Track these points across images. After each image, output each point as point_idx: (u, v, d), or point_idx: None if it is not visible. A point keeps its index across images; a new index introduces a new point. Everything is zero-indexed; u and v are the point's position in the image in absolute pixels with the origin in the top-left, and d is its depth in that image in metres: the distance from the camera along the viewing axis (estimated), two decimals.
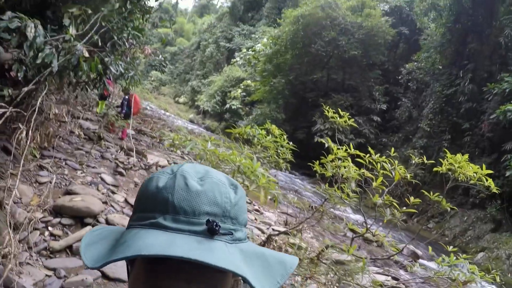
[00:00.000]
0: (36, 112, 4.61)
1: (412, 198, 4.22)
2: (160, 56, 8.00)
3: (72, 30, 5.09)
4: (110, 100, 12.87)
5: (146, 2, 8.06)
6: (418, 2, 22.41)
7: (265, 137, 4.61)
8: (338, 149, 4.33)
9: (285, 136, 4.92)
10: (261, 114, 26.71)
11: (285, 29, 25.61)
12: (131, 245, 0.66)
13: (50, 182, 5.43)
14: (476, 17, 18.69)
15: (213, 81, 40.30)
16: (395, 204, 4.24)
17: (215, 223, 0.68)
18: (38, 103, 4.60)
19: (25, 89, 4.55)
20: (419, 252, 10.95)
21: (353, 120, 5.19)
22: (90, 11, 5.30)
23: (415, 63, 22.92)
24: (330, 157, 4.25)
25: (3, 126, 5.17)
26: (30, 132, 4.68)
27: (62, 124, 9.53)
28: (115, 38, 5.93)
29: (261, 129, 4.82)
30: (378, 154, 4.42)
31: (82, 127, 10.09)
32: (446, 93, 19.35)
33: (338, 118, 4.91)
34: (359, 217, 13.29)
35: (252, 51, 35.85)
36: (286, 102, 26.83)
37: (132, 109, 10.52)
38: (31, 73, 4.87)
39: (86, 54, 5.01)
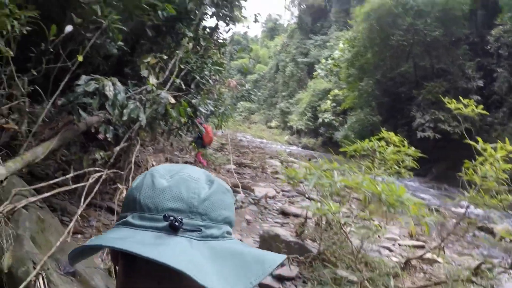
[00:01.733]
0: (132, 169, 4.47)
1: None
2: (247, 85, 7.74)
3: (152, 80, 4.95)
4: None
5: (219, 36, 7.93)
6: None
7: (386, 148, 3.97)
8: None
9: (406, 142, 4.21)
10: (357, 121, 25.69)
11: (359, 28, 24.58)
12: (94, 239, 0.73)
13: None
14: None
15: (300, 99, 39.96)
16: None
17: (174, 219, 0.67)
18: (133, 159, 4.44)
19: (117, 148, 4.43)
20: None
21: (482, 107, 4.27)
22: (165, 57, 5.14)
23: (500, 26, 20.47)
24: (480, 159, 3.46)
25: (104, 187, 5.12)
26: None
27: None
28: (197, 77, 5.75)
29: (376, 139, 4.19)
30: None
31: None
32: None
33: (464, 108, 4.05)
34: (480, 211, 11.68)
35: (331, 59, 35.14)
36: (379, 103, 25.46)
37: (204, 140, 10.34)
38: (121, 131, 4.77)
39: (172, 100, 4.81)
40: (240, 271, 0.67)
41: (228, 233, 0.77)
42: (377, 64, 24.63)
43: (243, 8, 7.72)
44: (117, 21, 4.44)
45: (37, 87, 3.98)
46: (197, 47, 6.38)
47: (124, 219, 0.73)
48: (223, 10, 6.87)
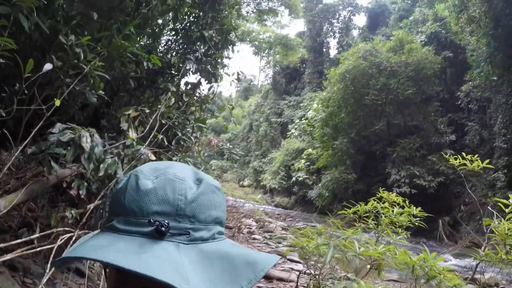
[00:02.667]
0: None
1: None
2: (228, 144, 7.47)
3: (132, 134, 4.64)
4: None
5: (201, 93, 7.76)
6: (455, 21, 21.50)
7: (391, 210, 3.70)
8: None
9: (407, 202, 3.96)
10: (331, 180, 25.70)
11: (334, 89, 25.15)
12: (75, 249, 0.70)
13: None
14: None
15: (273, 158, 40.06)
16: None
17: (160, 224, 0.65)
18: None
19: (91, 206, 4.02)
20: None
21: (487, 161, 4.09)
22: (147, 110, 4.87)
23: (470, 82, 21.57)
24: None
25: None
26: None
27: None
28: (179, 134, 5.45)
29: (374, 199, 3.93)
30: None
31: None
32: None
33: (470, 164, 3.87)
34: (461, 262, 11.70)
35: (305, 119, 35.68)
36: (353, 161, 25.66)
37: None
38: (95, 187, 4.37)
39: (152, 157, 4.49)
40: (229, 276, 0.66)
41: (220, 233, 0.75)
42: (351, 123, 25.05)
43: (226, 66, 7.66)
44: (99, 68, 4.18)
45: (5, 131, 3.59)
46: (179, 102, 6.16)
47: (109, 223, 0.71)
48: (207, 67, 6.74)
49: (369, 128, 24.50)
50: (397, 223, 3.92)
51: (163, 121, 5.27)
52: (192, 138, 5.85)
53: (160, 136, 4.79)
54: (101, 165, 3.77)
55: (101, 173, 3.73)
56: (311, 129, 32.95)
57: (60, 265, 0.73)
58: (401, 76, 22.44)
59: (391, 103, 23.31)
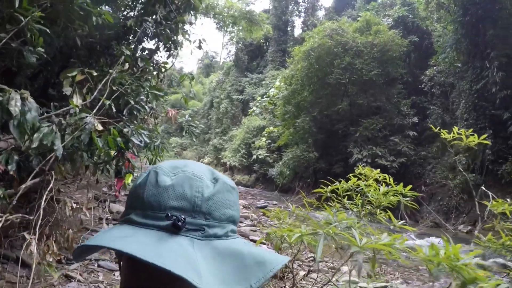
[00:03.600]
0: (41, 214, 3.43)
1: None
2: (187, 116, 6.81)
3: (76, 100, 4.00)
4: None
5: (158, 60, 7.08)
6: (424, 6, 21.80)
7: (377, 189, 3.26)
8: None
9: (391, 179, 3.54)
10: (292, 158, 25.53)
11: (297, 67, 24.78)
12: (95, 237, 0.71)
13: None
14: (485, 2, 17.54)
15: (233, 135, 39.59)
16: None
17: (177, 219, 0.67)
18: (42, 202, 3.40)
19: (22, 187, 3.39)
20: None
21: (482, 137, 3.70)
22: (95, 73, 4.21)
23: (434, 67, 21.98)
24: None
25: (12, 234, 4.02)
26: (43, 239, 3.53)
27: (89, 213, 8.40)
28: (132, 102, 4.81)
29: (353, 175, 3.49)
30: None
31: (112, 212, 8.95)
32: (476, 88, 17.92)
33: (466, 139, 3.46)
34: (425, 242, 11.88)
35: (267, 97, 35.33)
36: (315, 140, 25.55)
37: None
38: (35, 162, 3.74)
39: (100, 127, 3.87)
40: (240, 273, 0.67)
41: (233, 231, 0.76)
42: (314, 101, 24.83)
43: (187, 32, 6.97)
44: (39, 20, 3.51)
45: None
46: (134, 68, 5.50)
47: (127, 216, 0.73)
48: (166, 31, 6.07)
49: (332, 108, 24.36)
50: (374, 203, 3.51)
51: (114, 88, 4.63)
52: (147, 108, 5.22)
53: (108, 102, 4.14)
54: (35, 135, 3.15)
55: (34, 144, 3.11)
56: (273, 107, 32.70)
57: (78, 254, 0.76)
58: (367, 56, 22.35)
59: (355, 83, 23.22)
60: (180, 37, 6.94)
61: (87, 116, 3.84)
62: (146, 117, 5.97)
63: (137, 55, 5.62)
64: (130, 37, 6.10)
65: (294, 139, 26.84)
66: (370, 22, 24.59)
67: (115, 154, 4.83)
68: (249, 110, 39.68)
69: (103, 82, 4.54)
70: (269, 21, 40.69)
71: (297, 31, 45.97)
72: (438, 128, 4.14)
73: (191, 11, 6.72)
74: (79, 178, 5.90)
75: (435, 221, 17.67)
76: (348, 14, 35.75)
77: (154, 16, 6.13)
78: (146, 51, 6.44)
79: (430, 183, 20.15)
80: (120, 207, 9.19)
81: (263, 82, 41.86)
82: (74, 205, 4.10)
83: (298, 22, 46.50)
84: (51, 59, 4.97)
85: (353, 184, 3.25)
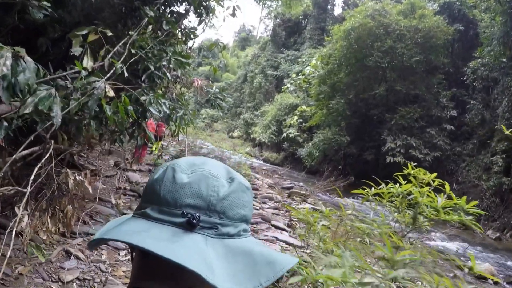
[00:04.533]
0: (35, 187, 3.03)
1: None
2: (215, 88, 6.28)
3: (87, 62, 3.55)
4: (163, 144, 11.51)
5: (187, 26, 6.55)
6: None
7: (434, 199, 2.67)
8: None
9: (447, 186, 2.94)
10: (323, 140, 24.81)
11: (336, 46, 23.81)
12: (112, 230, 0.74)
13: (79, 280, 3.80)
14: None
15: (265, 111, 38.99)
16: None
17: (192, 216, 0.68)
18: (33, 174, 2.98)
19: (11, 159, 2.97)
20: None
21: None
22: (110, 33, 3.73)
23: (478, 59, 20.50)
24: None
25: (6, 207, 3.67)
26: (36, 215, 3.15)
27: (107, 181, 8.08)
28: (152, 68, 4.33)
29: (400, 175, 2.93)
30: None
31: (130, 181, 8.63)
32: None
33: None
34: (452, 245, 11.38)
35: (302, 75, 34.51)
36: (348, 123, 24.67)
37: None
38: (39, 127, 3.33)
39: (111, 93, 3.42)
40: (250, 271, 0.69)
41: (245, 230, 0.77)
42: (350, 84, 23.93)
43: None
44: None
45: None
46: (158, 31, 5.01)
47: (143, 210, 0.74)
48: None
49: (368, 92, 23.41)
50: (428, 215, 2.91)
51: (133, 51, 4.17)
52: (169, 75, 4.73)
53: (119, 65, 3.66)
54: (30, 99, 2.72)
55: (28, 110, 2.68)
56: (307, 85, 31.89)
57: (93, 245, 0.79)
58: (409, 41, 21.22)
59: (395, 69, 22.13)
60: (212, 2, 6.39)
61: (97, 80, 3.39)
62: (169, 85, 5.48)
63: (162, 16, 5.10)
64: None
65: (327, 121, 26.05)
66: (415, 5, 23.31)
67: (131, 123, 4.39)
68: (282, 87, 38.99)
69: (120, 44, 4.07)
70: None
71: (337, 10, 44.67)
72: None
73: None
74: (100, 144, 5.52)
75: (463, 222, 16.85)
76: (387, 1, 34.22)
77: None
78: (174, 15, 5.93)
79: (462, 182, 19.20)
80: (139, 178, 8.85)
81: (299, 59, 40.88)
82: (78, 178, 3.72)
83: (338, 0, 44.86)
84: (75, 24, 4.54)
85: (403, 189, 2.69)
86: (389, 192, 2.78)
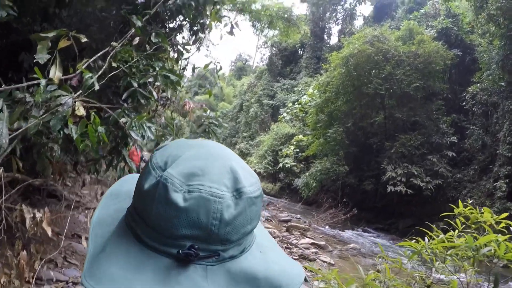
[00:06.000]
0: None
1: None
2: (209, 112, 5.57)
3: (54, 72, 2.89)
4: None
5: (181, 40, 5.96)
6: (473, 17, 20.38)
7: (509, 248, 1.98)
8: None
9: None
10: (320, 169, 24.14)
11: (334, 74, 23.41)
12: (97, 266, 0.65)
13: None
14: None
15: (261, 141, 38.46)
16: None
17: (189, 253, 0.62)
18: None
19: None
20: None
21: None
22: (84, 39, 3.09)
23: (478, 84, 20.27)
24: None
25: None
26: None
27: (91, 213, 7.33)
28: (135, 85, 3.67)
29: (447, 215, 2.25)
30: None
31: None
32: None
33: None
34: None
35: (298, 104, 34.20)
36: (346, 152, 24.01)
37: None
38: None
39: (81, 112, 2.75)
40: None
41: (251, 238, 0.72)
42: (348, 112, 23.43)
43: (220, 10, 5.80)
44: None
45: None
46: (146, 45, 4.39)
47: (135, 229, 0.68)
48: (191, 4, 4.95)
49: (367, 119, 22.89)
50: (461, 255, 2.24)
51: (114, 65, 3.53)
52: (155, 94, 4.06)
53: (88, 75, 2.98)
54: None
55: None
56: (304, 115, 31.49)
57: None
58: (409, 67, 20.80)
59: (393, 96, 21.68)
60: (207, 19, 5.81)
61: (64, 95, 2.72)
62: (158, 108, 4.83)
63: (151, 27, 4.48)
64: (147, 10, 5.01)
65: (324, 150, 25.42)
66: (413, 31, 23.05)
67: (109, 150, 3.70)
68: (279, 116, 38.58)
69: (99, 54, 3.43)
70: (306, 26, 39.72)
71: (334, 39, 44.64)
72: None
73: None
74: (75, 174, 4.82)
75: None
76: (388, 24, 34.26)
77: None
78: (166, 29, 5.33)
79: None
80: None
81: (296, 88, 40.70)
82: (38, 216, 2.99)
83: (335, 29, 44.98)
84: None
85: (481, 242, 2.00)
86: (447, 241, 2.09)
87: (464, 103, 21.03)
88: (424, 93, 21.60)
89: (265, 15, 20.57)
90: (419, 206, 19.76)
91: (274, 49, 47.46)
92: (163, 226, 0.63)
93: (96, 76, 3.25)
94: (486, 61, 19.25)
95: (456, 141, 20.47)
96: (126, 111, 3.50)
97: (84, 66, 3.14)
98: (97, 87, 3.01)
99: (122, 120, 3.36)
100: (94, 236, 0.70)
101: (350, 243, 13.64)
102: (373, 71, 21.05)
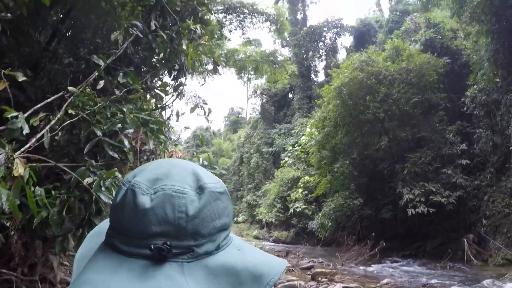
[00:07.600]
0: None
1: None
2: (202, 160, 4.77)
3: None
4: None
5: (156, 88, 5.24)
6: (456, 19, 20.28)
7: None
8: None
9: None
10: (334, 207, 23.12)
11: (329, 107, 22.85)
12: (78, 279, 0.64)
13: None
14: None
15: (267, 190, 37.53)
16: None
17: (161, 248, 0.62)
18: None
19: None
20: None
21: None
22: (22, 78, 2.34)
23: (474, 86, 19.86)
24: None
25: None
26: None
27: None
28: (99, 135, 2.89)
29: None
30: None
31: None
32: None
33: None
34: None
35: (298, 145, 33.66)
36: (357, 184, 22.98)
37: None
38: None
39: (20, 171, 1.96)
40: None
41: (225, 238, 0.71)
42: (351, 143, 22.63)
43: (197, 43, 5.14)
44: None
45: None
46: (115, 89, 3.66)
47: (111, 240, 0.68)
48: (165, 41, 4.29)
49: (372, 146, 22.13)
50: None
51: (72, 111, 2.78)
52: (127, 143, 3.22)
53: (12, 115, 2.19)
54: None
55: None
56: (305, 155, 30.78)
57: None
58: (403, 84, 20.33)
59: (393, 117, 21.06)
60: (185, 58, 5.13)
61: None
62: (129, 160, 4.02)
63: (119, 69, 3.76)
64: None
65: (334, 187, 24.44)
66: (398, 48, 22.82)
67: (80, 221, 2.86)
68: (281, 162, 37.88)
69: (49, 99, 2.68)
70: (293, 65, 40.01)
71: (321, 76, 44.85)
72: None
73: (197, 17, 4.94)
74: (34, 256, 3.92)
75: (506, 257, 15.20)
76: (372, 49, 34.50)
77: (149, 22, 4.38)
78: (142, 72, 4.64)
79: (491, 215, 17.64)
80: None
81: (292, 131, 40.34)
82: None
83: (320, 66, 45.17)
84: None
85: None
86: None
87: (465, 109, 20.56)
88: (423, 108, 21.09)
89: (250, 61, 20.27)
90: (443, 223, 19.04)
91: (265, 96, 47.47)
92: (134, 229, 0.63)
93: (49, 126, 2.48)
94: (477, 62, 19.23)
95: (466, 147, 19.76)
96: (92, 168, 2.70)
97: (26, 115, 2.38)
98: (48, 142, 2.22)
99: (87, 180, 2.56)
100: (77, 269, 0.69)
101: (383, 279, 12.53)
102: (368, 96, 20.51)
